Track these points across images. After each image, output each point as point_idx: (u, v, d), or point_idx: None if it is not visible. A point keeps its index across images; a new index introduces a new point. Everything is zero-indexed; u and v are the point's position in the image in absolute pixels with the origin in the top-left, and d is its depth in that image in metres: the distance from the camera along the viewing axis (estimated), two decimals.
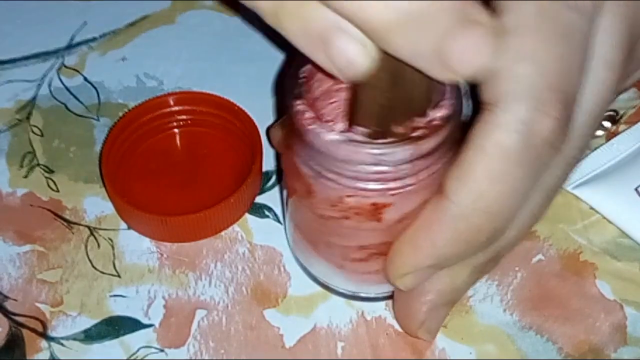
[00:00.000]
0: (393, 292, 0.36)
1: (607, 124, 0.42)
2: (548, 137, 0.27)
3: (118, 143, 0.40)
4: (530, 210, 0.30)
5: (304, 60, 0.31)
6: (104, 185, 0.40)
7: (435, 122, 0.29)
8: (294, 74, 0.30)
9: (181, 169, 0.41)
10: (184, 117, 0.42)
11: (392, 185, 0.29)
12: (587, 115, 0.29)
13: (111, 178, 0.39)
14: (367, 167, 0.29)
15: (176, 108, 0.42)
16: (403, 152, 0.28)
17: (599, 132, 0.42)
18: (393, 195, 0.30)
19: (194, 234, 0.39)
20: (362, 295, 0.36)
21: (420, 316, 0.33)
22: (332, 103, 0.31)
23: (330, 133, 0.28)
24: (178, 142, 0.43)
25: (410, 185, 0.30)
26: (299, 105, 0.29)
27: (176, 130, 0.43)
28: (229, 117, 0.42)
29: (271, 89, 0.45)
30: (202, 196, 0.39)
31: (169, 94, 0.42)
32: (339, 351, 0.35)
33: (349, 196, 0.30)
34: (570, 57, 0.28)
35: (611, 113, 0.42)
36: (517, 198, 0.29)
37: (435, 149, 0.29)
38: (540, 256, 0.38)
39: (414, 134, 0.28)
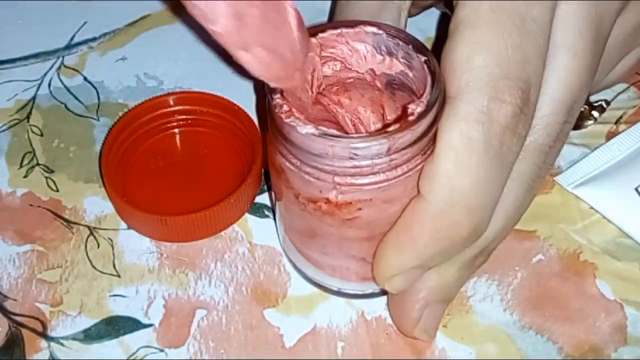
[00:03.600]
0: (381, 290, 0.36)
1: (595, 113, 0.42)
2: (507, 123, 0.28)
3: (118, 143, 0.40)
4: (512, 201, 0.31)
5: None
6: (104, 185, 0.40)
7: (411, 117, 0.29)
8: None
9: (181, 169, 0.41)
10: (183, 117, 0.42)
11: (369, 180, 0.29)
12: (553, 103, 0.30)
13: (111, 178, 0.39)
14: (343, 161, 0.29)
15: (176, 108, 0.42)
16: (379, 146, 0.28)
17: (589, 122, 0.42)
18: (370, 190, 0.30)
19: (193, 234, 0.39)
20: (350, 292, 0.36)
21: (414, 314, 0.33)
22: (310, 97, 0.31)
23: (305, 126, 0.28)
24: (178, 142, 0.43)
25: (387, 180, 0.29)
26: (277, 99, 0.29)
27: (176, 130, 0.43)
28: (228, 117, 0.42)
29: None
30: (202, 196, 0.39)
31: (169, 94, 0.42)
32: (339, 351, 0.35)
33: (327, 191, 0.30)
34: (528, 46, 0.28)
35: (601, 103, 0.42)
36: (491, 188, 0.29)
37: (411, 144, 0.29)
38: (540, 256, 0.38)
39: (390, 128, 0.28)
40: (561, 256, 0.38)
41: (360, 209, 0.30)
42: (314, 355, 0.35)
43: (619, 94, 0.44)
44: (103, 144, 0.40)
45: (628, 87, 0.44)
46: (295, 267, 0.38)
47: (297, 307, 0.37)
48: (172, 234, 0.39)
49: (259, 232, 0.39)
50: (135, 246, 0.39)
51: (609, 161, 0.40)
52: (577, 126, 0.42)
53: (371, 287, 0.36)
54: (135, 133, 0.41)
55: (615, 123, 0.43)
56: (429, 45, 0.45)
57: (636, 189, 0.39)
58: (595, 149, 0.41)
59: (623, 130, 0.42)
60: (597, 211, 0.39)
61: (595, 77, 0.36)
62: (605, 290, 0.37)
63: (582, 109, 0.42)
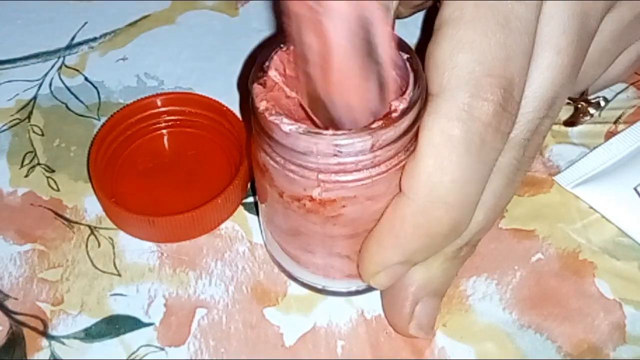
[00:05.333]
0: (365, 289, 0.36)
1: (592, 110, 0.42)
2: (490, 121, 0.28)
3: (106, 144, 0.40)
4: (492, 194, 0.31)
5: (267, 56, 0.31)
6: (92, 187, 0.40)
7: (394, 114, 0.29)
8: (258, 67, 0.31)
9: (169, 169, 0.41)
10: (171, 117, 0.42)
11: (352, 177, 0.29)
12: (536, 100, 0.30)
13: (99, 179, 0.39)
14: (327, 158, 0.29)
15: (163, 109, 0.42)
16: (362, 142, 0.28)
17: (586, 118, 0.42)
18: (354, 187, 0.30)
19: (181, 234, 0.39)
20: (335, 290, 0.37)
21: (405, 311, 0.34)
22: (292, 97, 0.31)
23: (289, 125, 0.28)
24: (166, 142, 0.43)
25: (371, 177, 0.29)
26: (262, 102, 0.29)
27: (164, 131, 0.43)
28: (216, 117, 0.42)
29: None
30: (191, 196, 0.39)
31: (156, 95, 0.42)
32: (339, 350, 0.35)
33: (311, 189, 0.30)
34: (511, 44, 0.28)
35: (598, 99, 0.42)
36: (472, 186, 0.29)
37: (394, 140, 0.29)
38: (539, 255, 0.38)
39: (374, 125, 0.28)
40: (560, 255, 0.38)
41: (344, 206, 0.30)
42: (314, 354, 0.35)
43: (618, 93, 0.44)
44: (91, 146, 0.40)
45: (627, 87, 0.44)
46: (279, 266, 0.38)
47: (297, 306, 0.37)
48: (159, 235, 0.39)
49: (259, 231, 0.39)
50: (135, 245, 0.39)
51: (607, 161, 0.40)
52: (574, 123, 0.43)
53: (356, 285, 0.36)
54: (123, 134, 0.41)
55: (614, 123, 0.43)
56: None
57: (635, 189, 0.39)
58: (594, 148, 0.41)
59: (622, 130, 0.42)
60: (596, 211, 0.39)
61: (594, 73, 0.36)
62: (604, 289, 0.37)
63: (579, 106, 0.42)
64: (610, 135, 0.42)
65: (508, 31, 0.28)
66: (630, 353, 0.35)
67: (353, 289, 0.36)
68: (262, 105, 0.29)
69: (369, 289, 0.36)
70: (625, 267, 0.38)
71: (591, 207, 0.40)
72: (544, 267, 0.38)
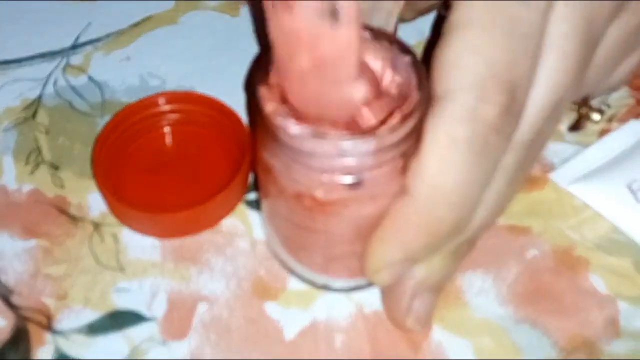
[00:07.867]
0: (365, 285, 0.37)
1: (596, 116, 0.42)
2: (494, 123, 0.28)
3: (109, 142, 0.41)
4: (495, 193, 0.31)
5: (271, 57, 0.31)
6: (96, 184, 0.40)
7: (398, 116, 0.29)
8: (263, 69, 0.31)
9: (171, 166, 0.42)
10: (173, 116, 0.43)
11: (356, 177, 0.30)
12: (540, 103, 0.30)
13: (102, 176, 0.39)
14: (331, 159, 0.29)
15: (166, 107, 0.43)
16: (367, 144, 0.29)
17: (588, 123, 0.43)
18: (357, 188, 0.30)
19: (183, 230, 0.39)
20: (336, 287, 0.37)
21: (403, 305, 0.34)
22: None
23: (295, 126, 0.29)
24: (168, 140, 0.43)
25: (374, 178, 0.30)
26: (268, 104, 0.30)
27: (166, 129, 0.43)
28: (217, 115, 0.42)
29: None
30: (193, 193, 0.40)
31: (159, 94, 0.43)
32: (338, 344, 0.36)
33: (314, 189, 0.30)
34: (518, 48, 0.29)
35: (601, 106, 0.42)
36: (476, 186, 0.29)
37: (398, 142, 0.29)
38: (534, 251, 0.39)
39: (378, 128, 0.29)
40: (555, 251, 0.39)
41: (347, 206, 0.31)
42: (313, 348, 0.36)
43: (611, 92, 0.44)
44: (94, 144, 0.41)
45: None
46: (281, 262, 0.38)
47: (297, 301, 0.37)
48: (161, 231, 0.39)
49: (259, 227, 0.40)
50: (138, 241, 0.39)
51: (601, 158, 0.41)
52: (577, 128, 0.43)
53: (356, 282, 0.36)
54: (126, 132, 0.42)
55: (608, 121, 0.44)
56: (422, 46, 0.46)
57: (628, 186, 0.39)
58: (589, 146, 0.42)
59: (615, 129, 0.42)
60: (590, 207, 0.40)
61: (599, 78, 0.36)
62: (599, 285, 0.38)
63: (582, 112, 0.42)
64: (604, 133, 0.43)
65: (515, 35, 0.28)
66: (624, 347, 0.36)
67: (353, 286, 0.37)
68: (269, 107, 0.30)
69: (370, 285, 0.37)
70: (619, 262, 0.38)
71: (585, 204, 0.40)
72: (539, 263, 0.38)
